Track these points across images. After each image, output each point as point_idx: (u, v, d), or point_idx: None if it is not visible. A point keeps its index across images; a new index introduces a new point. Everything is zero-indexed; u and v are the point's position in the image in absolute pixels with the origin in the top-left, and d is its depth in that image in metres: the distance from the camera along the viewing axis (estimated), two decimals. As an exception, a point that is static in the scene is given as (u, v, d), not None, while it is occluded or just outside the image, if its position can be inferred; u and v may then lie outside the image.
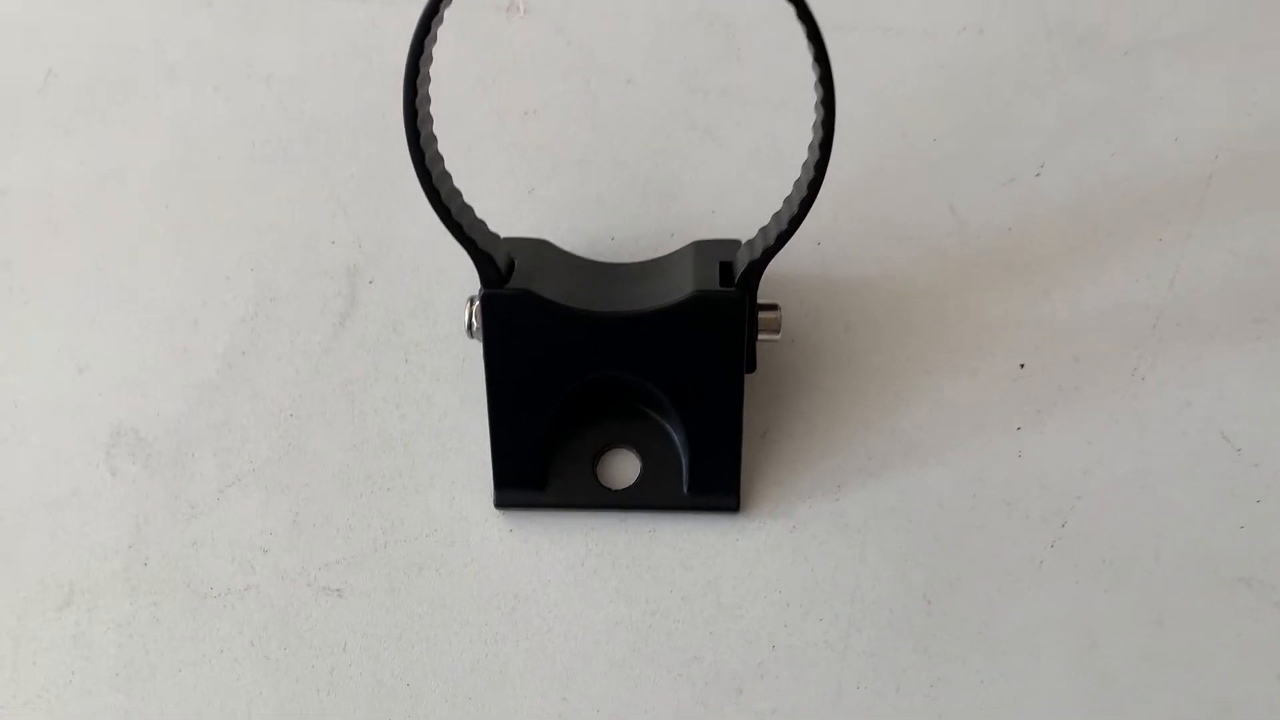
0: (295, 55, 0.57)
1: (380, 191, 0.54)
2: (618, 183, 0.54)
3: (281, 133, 0.56)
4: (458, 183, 0.45)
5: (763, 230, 0.46)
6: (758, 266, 0.44)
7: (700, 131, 0.55)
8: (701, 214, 0.54)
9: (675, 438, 0.48)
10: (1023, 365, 0.51)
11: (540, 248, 0.49)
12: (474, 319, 0.46)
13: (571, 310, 0.45)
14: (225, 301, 0.53)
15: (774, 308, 0.46)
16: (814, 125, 0.43)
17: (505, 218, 0.53)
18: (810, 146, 0.44)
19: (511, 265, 0.46)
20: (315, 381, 0.51)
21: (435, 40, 0.42)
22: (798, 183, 0.45)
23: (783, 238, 0.44)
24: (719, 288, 0.45)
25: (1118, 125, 0.55)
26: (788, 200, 0.45)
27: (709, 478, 0.47)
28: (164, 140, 0.56)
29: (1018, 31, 0.56)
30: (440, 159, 0.45)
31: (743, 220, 0.53)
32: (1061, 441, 0.49)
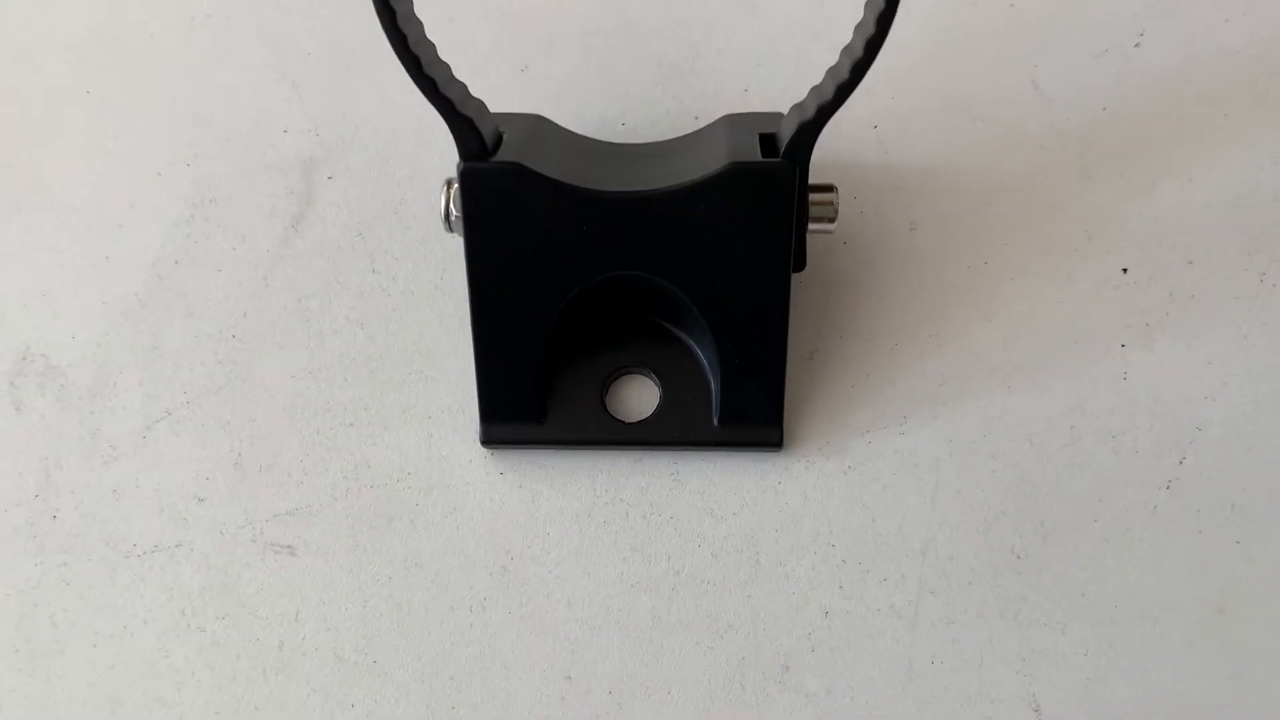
0: (241, -88, 0.48)
1: (343, 69, 0.45)
2: (629, 56, 0.45)
3: (225, 2, 0.46)
4: None
5: (815, 89, 0.37)
6: (810, 130, 0.35)
7: (728, -4, 0.46)
8: (732, 93, 0.45)
9: (703, 358, 0.39)
10: (1125, 270, 0.42)
11: (537, 124, 0.40)
12: (452, 205, 0.37)
13: (574, 189, 0.36)
14: (156, 202, 0.44)
15: (829, 189, 0.37)
16: None
17: (493, 102, 0.44)
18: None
19: (499, 140, 0.37)
20: (263, 296, 0.42)
21: None
22: (860, 25, 0.35)
23: (843, 92, 0.35)
24: (760, 159, 0.35)
25: (1230, -12, 0.46)
26: (847, 49, 0.36)
27: (745, 407, 0.38)
28: (85, 9, 0.46)
29: (1109, -122, 0.47)
30: (408, 0, 0.35)
31: (781, 98, 0.44)
32: (1176, 362, 0.41)
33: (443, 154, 0.44)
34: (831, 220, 0.37)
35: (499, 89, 0.45)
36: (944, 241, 0.42)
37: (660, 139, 0.43)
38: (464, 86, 0.37)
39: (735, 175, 0.35)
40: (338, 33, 0.46)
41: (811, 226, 0.37)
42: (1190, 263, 0.42)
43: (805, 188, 0.36)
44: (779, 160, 0.35)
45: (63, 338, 0.42)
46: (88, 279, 0.43)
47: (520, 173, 0.36)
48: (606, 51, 0.46)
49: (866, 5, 0.35)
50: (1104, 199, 0.43)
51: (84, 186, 0.44)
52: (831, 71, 0.36)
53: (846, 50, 0.36)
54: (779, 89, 0.44)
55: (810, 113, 0.35)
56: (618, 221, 0.36)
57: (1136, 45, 0.45)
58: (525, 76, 0.45)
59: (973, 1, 0.46)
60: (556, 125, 0.41)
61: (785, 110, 0.40)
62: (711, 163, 0.36)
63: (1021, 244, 0.42)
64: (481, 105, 0.37)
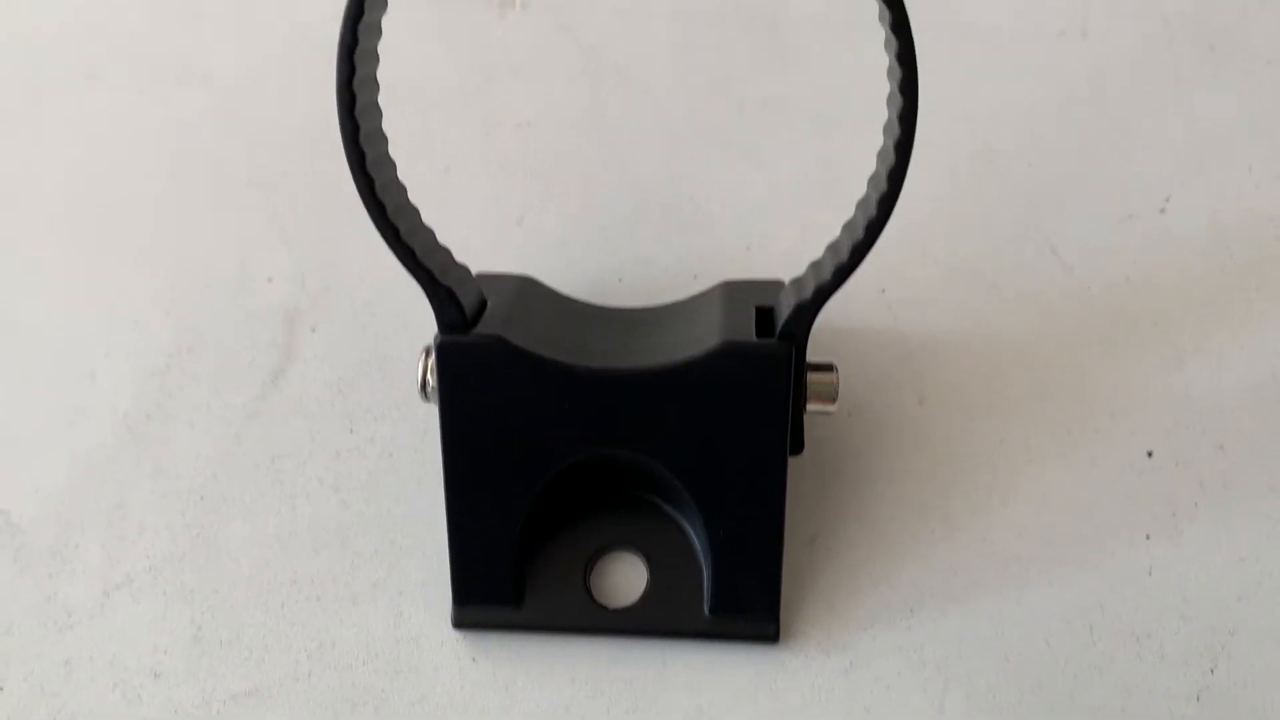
0: (239, 53, 0.47)
1: (331, 218, 0.44)
2: (628, 211, 0.44)
3: (217, 143, 0.45)
4: (429, 207, 0.36)
5: (814, 265, 0.35)
6: (808, 311, 0.33)
7: (734, 150, 0.45)
8: (733, 252, 0.43)
9: (695, 539, 0.36)
10: (1150, 454, 0.39)
11: (524, 287, 0.38)
12: (429, 375, 0.35)
13: (557, 364, 0.34)
14: (132, 350, 0.42)
15: (829, 368, 0.35)
16: (885, 125, 0.32)
17: (486, 252, 0.43)
18: (880, 153, 0.33)
19: (482, 308, 0.35)
20: (235, 455, 0.40)
21: (383, 5, 0.32)
22: (862, 202, 0.34)
23: (841, 274, 0.33)
24: (755, 338, 0.33)
25: (1259, 149, 0.44)
26: (848, 226, 0.34)
27: (739, 595, 0.36)
28: (75, 151, 0.46)
29: (1130, 34, 0.46)
30: (390, 165, 0.34)
31: (785, 261, 0.42)
32: (1206, 556, 0.38)
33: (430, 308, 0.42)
34: (832, 400, 0.35)
35: (494, 241, 0.44)
36: (956, 417, 0.40)
37: (657, 298, 0.41)
38: (447, 253, 0.35)
39: (728, 355, 0.33)
40: (330, 178, 0.45)
41: (810, 407, 0.35)
42: (1221, 448, 0.39)
43: (803, 368, 0.34)
44: (774, 341, 0.33)
45: (25, 491, 0.40)
46: (56, 429, 0.41)
47: (500, 347, 0.34)
48: (605, 204, 0.44)
49: (870, 181, 0.34)
50: (1128, 375, 0.40)
51: (59, 330, 0.43)
52: (832, 249, 0.34)
53: (848, 228, 0.34)
54: (781, 249, 0.43)
55: (808, 293, 0.33)
56: (603, 399, 0.34)
57: (1162, 211, 0.43)
58: (521, 229, 0.44)
59: (989, 160, 0.44)
60: (546, 288, 0.39)
61: (785, 277, 0.38)
62: (704, 338, 0.34)
63: (1039, 421, 0.40)
64: (465, 272, 0.36)
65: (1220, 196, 0.43)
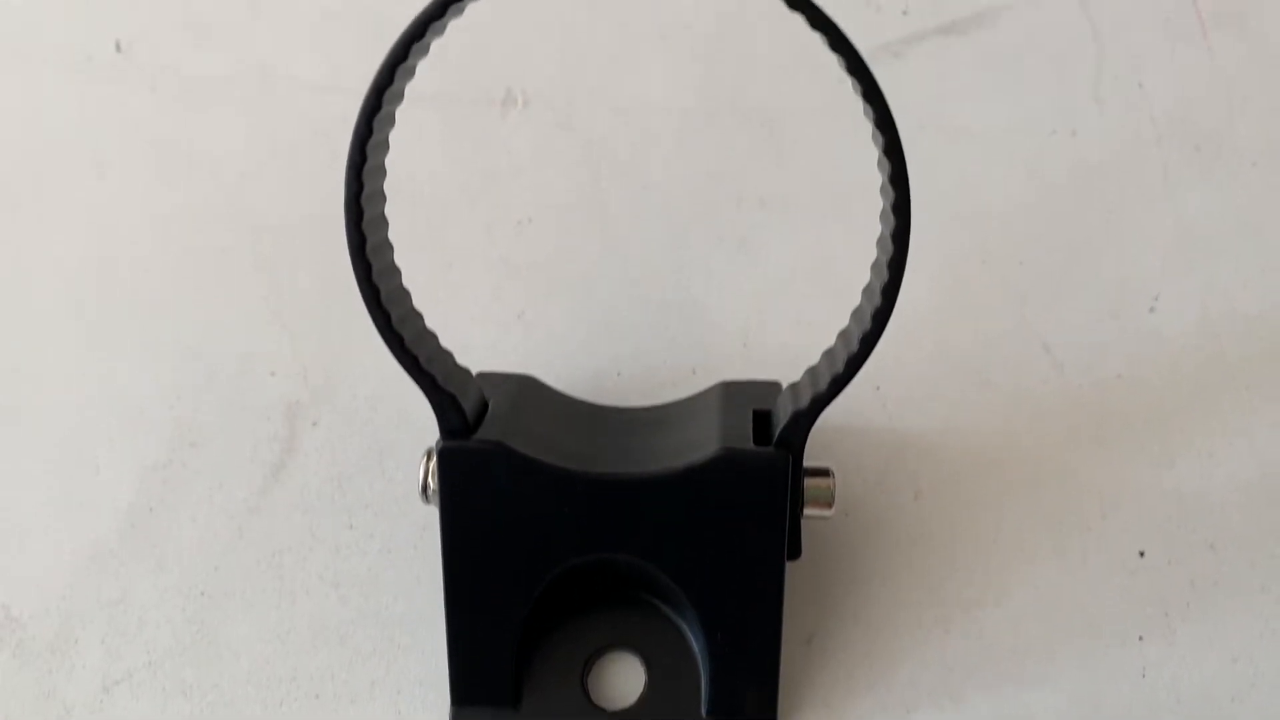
0: (248, 143, 0.48)
1: (336, 311, 0.44)
2: (627, 306, 0.44)
3: (223, 234, 0.46)
4: (431, 304, 0.36)
5: (810, 371, 0.35)
6: (804, 420, 0.34)
7: (731, 244, 0.45)
8: (731, 347, 0.43)
9: (692, 640, 0.37)
10: (1142, 553, 0.40)
11: (524, 387, 0.39)
12: (430, 479, 0.35)
13: (557, 470, 0.34)
14: (135, 442, 0.43)
15: (825, 473, 0.36)
16: (879, 240, 0.33)
17: (487, 348, 0.44)
18: (874, 266, 0.34)
19: (484, 410, 0.36)
20: (236, 550, 0.41)
21: (392, 121, 0.33)
22: (857, 312, 0.34)
23: (837, 383, 0.33)
24: (753, 446, 0.34)
25: (1247, 249, 0.45)
26: (843, 334, 0.34)
27: (737, 697, 0.36)
28: (82, 240, 0.46)
29: (1119, 134, 0.47)
30: (395, 272, 0.35)
31: (782, 356, 0.43)
32: (1198, 657, 0.38)
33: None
34: (828, 505, 0.35)
35: (494, 335, 0.44)
36: (951, 513, 0.40)
37: (656, 393, 0.42)
38: (449, 358, 0.36)
39: (726, 463, 0.34)
40: (335, 270, 0.45)
41: (808, 512, 0.35)
42: (1212, 547, 0.40)
43: (800, 475, 0.35)
44: (772, 449, 0.34)
45: (26, 586, 0.41)
46: (59, 522, 0.41)
47: (502, 453, 0.34)
48: (604, 299, 0.45)
49: (864, 291, 0.34)
50: (1119, 472, 0.41)
51: (64, 421, 0.43)
52: (828, 357, 0.35)
53: (843, 336, 0.35)
54: (779, 343, 0.43)
55: (805, 401, 0.34)
56: (602, 505, 0.34)
57: (1151, 310, 0.43)
58: (522, 322, 0.44)
59: (982, 258, 0.45)
60: (547, 387, 0.40)
61: (783, 373, 0.39)
62: (703, 444, 0.35)
63: (1033, 518, 0.40)
64: (466, 375, 0.36)
65: (1209, 295, 0.43)
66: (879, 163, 0.32)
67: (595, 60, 0.48)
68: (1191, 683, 0.38)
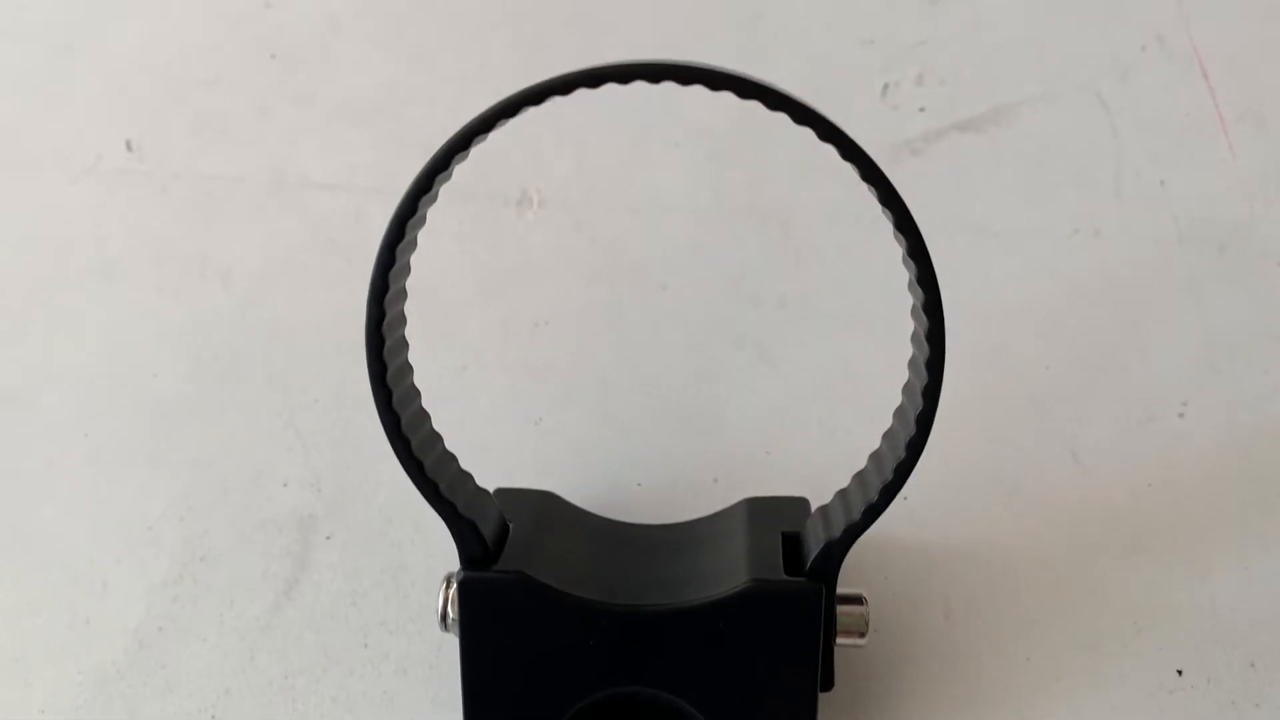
0: (259, 250, 0.47)
1: (350, 421, 0.44)
2: (647, 413, 0.44)
3: (234, 343, 0.45)
4: (447, 407, 0.36)
5: (842, 495, 0.35)
6: (837, 550, 0.33)
7: (751, 349, 0.45)
8: (753, 454, 0.43)
9: (721, 773, 0.35)
10: (1180, 672, 0.38)
11: (544, 505, 0.38)
12: (449, 607, 0.34)
13: (581, 602, 0.33)
14: (144, 558, 0.42)
15: (858, 600, 0.35)
16: (910, 362, 0.32)
17: (504, 455, 0.43)
18: (906, 389, 0.33)
19: (504, 533, 0.35)
20: (248, 670, 0.40)
21: (414, 246, 0.33)
22: (889, 434, 0.34)
23: (872, 512, 0.33)
24: (784, 576, 0.33)
25: (1274, 350, 0.44)
26: (875, 457, 0.34)
27: (767, 832, 0.34)
28: (90, 350, 0.46)
29: (1142, 234, 0.46)
30: (415, 395, 0.34)
31: (805, 463, 0.42)
32: (1242, 781, 0.36)
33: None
34: (862, 634, 0.34)
35: (512, 442, 0.43)
36: (982, 632, 0.39)
37: (677, 504, 0.41)
38: (469, 480, 0.35)
39: (756, 595, 0.33)
40: (348, 379, 0.45)
41: (840, 640, 0.34)
42: (1252, 665, 0.38)
43: (833, 604, 0.34)
44: (804, 580, 0.33)
45: (30, 713, 0.39)
46: (65, 644, 0.40)
47: (524, 584, 0.33)
48: (624, 405, 0.44)
49: (896, 413, 0.34)
50: (1153, 586, 0.40)
51: (71, 538, 0.42)
52: (860, 482, 0.34)
53: (875, 459, 0.34)
54: (802, 451, 0.42)
55: (837, 530, 0.33)
56: (627, 638, 0.33)
57: (1180, 415, 0.43)
58: (539, 430, 0.44)
59: (1007, 362, 0.44)
60: (567, 505, 0.39)
61: (806, 484, 0.38)
62: (731, 572, 0.34)
63: (1065, 636, 0.39)
64: (485, 498, 0.35)
65: (1238, 399, 0.43)
66: (904, 261, 0.32)
67: (610, 161, 0.48)
68: (1236, 810, 0.36)
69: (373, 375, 0.32)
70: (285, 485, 0.43)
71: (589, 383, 0.44)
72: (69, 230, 0.48)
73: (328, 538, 0.42)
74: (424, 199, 0.31)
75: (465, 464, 0.43)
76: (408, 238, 0.32)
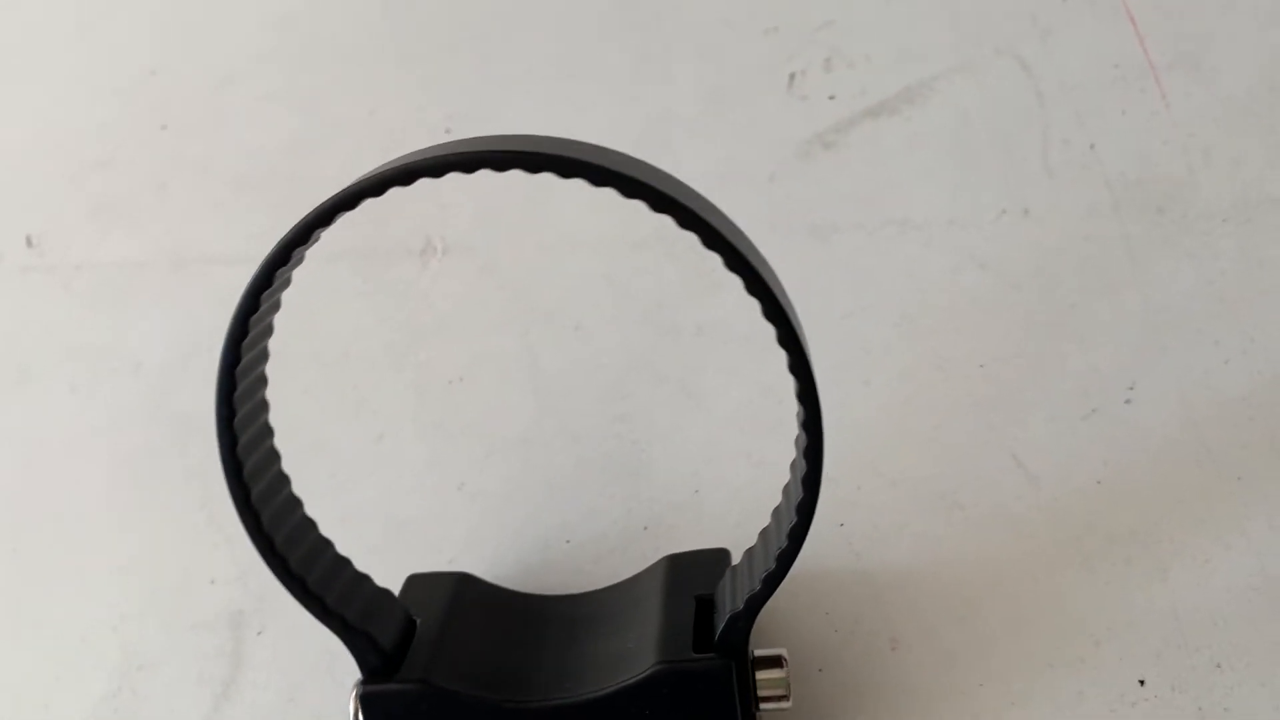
0: (167, 336, 0.46)
1: (269, 507, 0.42)
2: (571, 464, 0.42)
3: (149, 437, 0.44)
4: (365, 485, 0.37)
5: (749, 555, 0.33)
6: (743, 622, 0.31)
7: (672, 385, 0.43)
8: (681, 497, 0.41)
9: None
10: (1143, 682, 0.37)
11: (459, 590, 0.37)
12: (357, 717, 0.33)
13: (487, 703, 0.32)
14: (82, 673, 0.41)
15: (776, 662, 0.33)
16: (796, 440, 0.31)
17: (428, 526, 0.42)
18: (797, 441, 0.31)
19: (409, 634, 0.34)
20: (191, 781, 0.39)
21: (270, 331, 0.31)
22: (787, 489, 0.32)
23: (772, 580, 0.31)
24: (691, 655, 0.32)
25: (1223, 320, 0.41)
26: (764, 535, 0.32)
27: None
28: (9, 462, 0.45)
29: (1073, 205, 0.43)
30: (295, 505, 0.33)
31: (734, 500, 0.41)
32: (1214, 793, 0.34)
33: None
34: (785, 697, 0.33)
35: (435, 511, 0.42)
36: (931, 661, 0.37)
37: (606, 561, 0.40)
38: (364, 583, 0.34)
39: (664, 678, 0.31)
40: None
41: (763, 707, 0.33)
42: (1218, 666, 0.36)
43: (746, 673, 0.32)
44: (712, 657, 0.31)
45: (-17, 845, 0.39)
46: (11, 769, 0.40)
47: (426, 693, 0.32)
48: (546, 459, 0.42)
49: (784, 492, 0.32)
50: (1110, 593, 0.38)
51: (8, 663, 0.42)
52: (763, 536, 0.32)
53: (763, 536, 0.32)
54: (730, 489, 0.41)
55: (740, 601, 0.31)
56: (539, 734, 0.32)
57: (1127, 401, 0.40)
58: (462, 494, 0.42)
59: (937, 366, 0.42)
60: (483, 585, 0.37)
61: (738, 519, 0.37)
62: (640, 652, 0.32)
63: (1020, 658, 0.37)
64: (384, 600, 0.34)
65: (1187, 378, 0.40)
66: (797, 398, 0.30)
67: (513, 198, 0.46)
68: (1209, 827, 0.35)
69: (236, 500, 0.31)
70: (213, 583, 0.42)
71: (509, 440, 0.43)
72: (-23, 338, 0.47)
73: (259, 633, 0.41)
74: (279, 271, 0.30)
75: (388, 540, 0.42)
76: (262, 312, 0.30)
